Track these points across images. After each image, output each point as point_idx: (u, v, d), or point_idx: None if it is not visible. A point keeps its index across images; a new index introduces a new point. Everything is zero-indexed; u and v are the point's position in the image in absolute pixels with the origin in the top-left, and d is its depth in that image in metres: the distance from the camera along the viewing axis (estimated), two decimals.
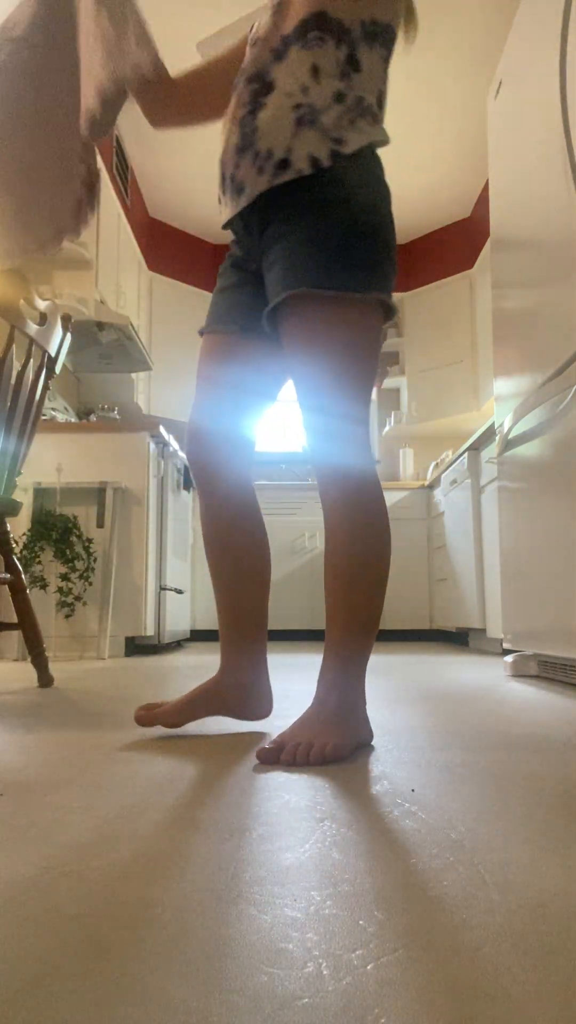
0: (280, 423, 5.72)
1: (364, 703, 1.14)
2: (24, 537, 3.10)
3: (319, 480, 1.14)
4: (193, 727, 1.34)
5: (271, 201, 1.13)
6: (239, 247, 1.25)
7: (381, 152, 4.52)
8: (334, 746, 1.03)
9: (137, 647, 3.32)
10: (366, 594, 1.11)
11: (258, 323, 1.24)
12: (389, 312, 1.15)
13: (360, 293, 1.08)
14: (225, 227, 1.23)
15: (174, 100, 1.30)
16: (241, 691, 1.27)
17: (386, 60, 1.18)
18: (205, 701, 1.25)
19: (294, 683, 2.09)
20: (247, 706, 1.28)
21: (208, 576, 4.59)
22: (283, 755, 1.02)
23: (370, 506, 1.11)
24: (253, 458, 1.29)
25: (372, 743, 1.16)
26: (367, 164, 1.12)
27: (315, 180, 1.09)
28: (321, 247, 1.08)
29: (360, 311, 1.10)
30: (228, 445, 1.25)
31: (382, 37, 1.15)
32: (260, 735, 1.26)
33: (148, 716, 1.25)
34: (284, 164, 1.09)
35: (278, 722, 1.40)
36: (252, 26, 1.23)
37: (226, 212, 1.19)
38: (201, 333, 1.29)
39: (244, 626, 1.28)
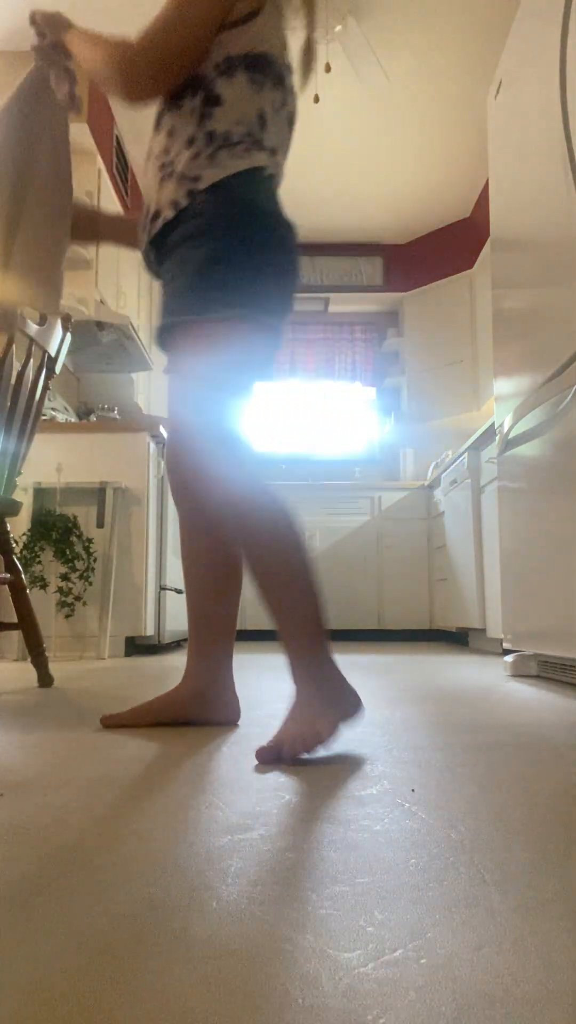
0: (280, 423, 5.72)
1: (338, 675, 1.14)
2: (24, 537, 3.10)
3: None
4: (190, 729, 1.34)
5: (158, 250, 1.26)
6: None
7: (381, 152, 4.53)
8: (326, 725, 1.06)
9: (137, 647, 3.32)
10: (280, 591, 1.12)
11: None
12: (268, 323, 1.19)
13: (217, 314, 1.14)
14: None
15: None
16: (201, 699, 1.32)
17: (257, 81, 1.21)
18: (165, 707, 1.31)
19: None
20: (207, 713, 1.32)
21: None
22: (284, 752, 1.04)
23: (250, 515, 1.13)
24: None
25: (361, 709, 1.16)
26: (233, 191, 1.17)
27: (179, 220, 1.19)
28: (180, 281, 1.17)
29: (224, 330, 1.15)
30: None
31: (244, 64, 1.20)
32: (260, 737, 1.26)
33: (112, 718, 1.33)
34: (156, 216, 1.22)
35: (277, 722, 1.40)
36: None
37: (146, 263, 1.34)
38: None
39: (210, 635, 1.31)
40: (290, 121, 1.30)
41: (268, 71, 1.22)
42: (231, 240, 1.15)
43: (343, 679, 1.14)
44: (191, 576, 1.32)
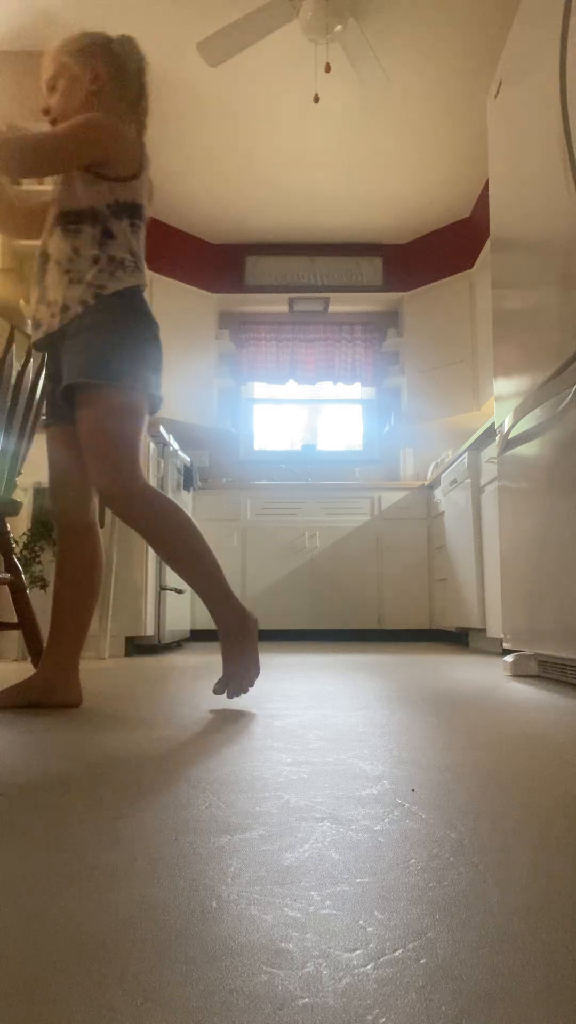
0: (280, 424, 5.71)
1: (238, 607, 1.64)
2: (24, 537, 3.10)
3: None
4: (191, 729, 1.34)
5: (62, 333, 1.62)
6: (47, 361, 1.73)
7: (381, 152, 4.54)
8: (252, 677, 1.63)
9: (137, 647, 3.32)
10: (191, 567, 1.61)
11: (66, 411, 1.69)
12: (149, 398, 1.66)
13: (114, 383, 1.57)
14: (35, 347, 1.71)
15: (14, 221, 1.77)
16: (48, 685, 1.60)
17: (136, 225, 1.68)
18: (21, 691, 1.59)
19: (297, 682, 2.09)
20: (52, 698, 1.60)
21: None
22: (229, 691, 1.60)
23: (141, 515, 1.58)
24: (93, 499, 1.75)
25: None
26: (126, 299, 1.61)
27: (86, 314, 1.58)
28: (90, 356, 1.57)
29: (128, 394, 1.60)
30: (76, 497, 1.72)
31: (128, 211, 1.65)
32: (262, 737, 1.26)
33: None
34: (65, 308, 1.60)
35: (278, 722, 1.40)
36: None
37: (34, 337, 1.68)
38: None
39: (77, 629, 1.65)
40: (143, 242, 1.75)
41: (140, 215, 1.69)
42: (131, 333, 1.60)
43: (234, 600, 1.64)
44: (61, 583, 1.67)
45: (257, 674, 1.63)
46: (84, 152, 1.58)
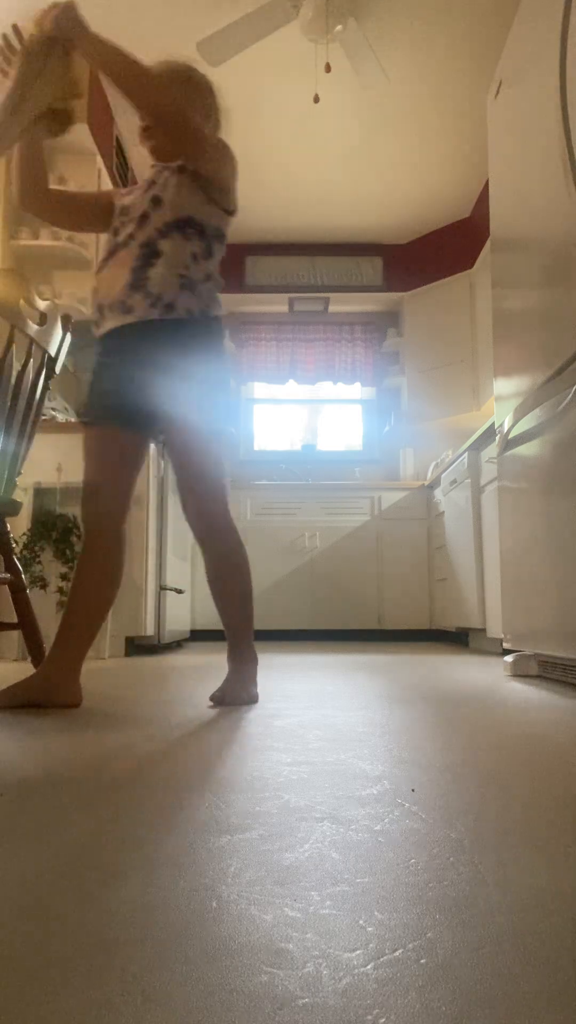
0: (280, 424, 5.71)
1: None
2: (24, 537, 3.10)
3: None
4: (190, 729, 1.34)
5: (151, 327, 1.65)
6: (109, 349, 1.70)
7: (381, 152, 4.55)
8: (253, 693, 1.70)
9: (137, 647, 3.32)
10: (242, 603, 1.74)
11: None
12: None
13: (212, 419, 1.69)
14: (101, 336, 1.72)
15: (45, 201, 1.76)
16: (49, 684, 1.59)
17: (218, 258, 1.78)
18: (22, 691, 1.57)
19: (297, 682, 2.09)
20: (53, 698, 1.59)
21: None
22: (226, 701, 1.65)
23: (230, 548, 1.73)
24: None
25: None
26: (220, 328, 1.72)
27: (191, 324, 1.66)
28: (205, 390, 1.67)
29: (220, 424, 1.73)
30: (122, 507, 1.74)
31: (219, 238, 1.76)
32: (263, 736, 1.26)
33: None
34: (170, 307, 1.64)
35: (278, 722, 1.40)
36: (121, 193, 1.83)
37: (108, 324, 1.68)
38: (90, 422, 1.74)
39: (79, 633, 1.64)
40: None
41: (223, 250, 1.80)
42: (224, 366, 1.73)
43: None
44: (86, 579, 1.66)
45: (250, 701, 1.69)
46: (193, 142, 1.63)
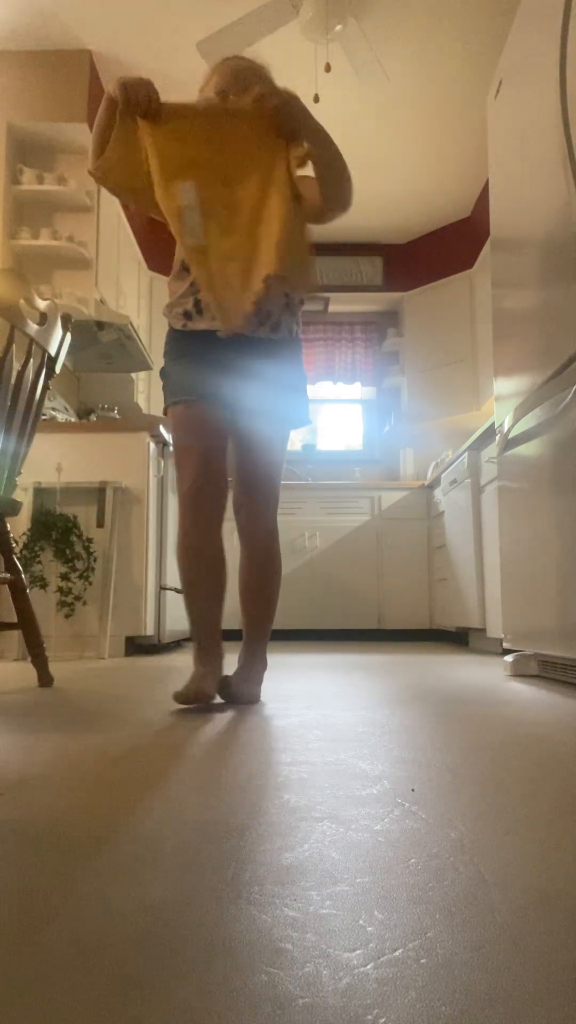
0: None
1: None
2: (24, 537, 3.10)
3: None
4: (190, 729, 1.34)
5: (268, 343, 1.74)
6: (210, 343, 1.71)
7: (381, 152, 4.55)
8: (258, 693, 1.73)
9: (137, 647, 3.32)
10: (272, 609, 1.82)
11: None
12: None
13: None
14: (201, 331, 1.71)
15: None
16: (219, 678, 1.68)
17: None
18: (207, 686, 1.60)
19: (297, 682, 2.09)
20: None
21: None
22: (232, 695, 1.67)
23: (276, 556, 1.81)
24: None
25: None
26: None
27: (291, 344, 1.78)
28: (305, 399, 1.83)
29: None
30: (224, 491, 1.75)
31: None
32: (260, 739, 1.26)
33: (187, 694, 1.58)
34: (277, 326, 1.72)
35: (278, 722, 1.40)
36: None
37: (238, 325, 1.64)
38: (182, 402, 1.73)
39: (217, 633, 1.72)
40: None
41: None
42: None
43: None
44: (211, 584, 1.71)
45: (253, 700, 1.71)
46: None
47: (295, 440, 5.64)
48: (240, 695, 1.67)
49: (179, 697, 1.55)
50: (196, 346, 1.72)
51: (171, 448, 1.67)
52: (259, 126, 1.59)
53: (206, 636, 1.70)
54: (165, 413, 1.78)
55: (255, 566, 1.77)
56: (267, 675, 2.34)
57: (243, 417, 1.76)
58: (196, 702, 1.56)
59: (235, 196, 1.62)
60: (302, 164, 1.68)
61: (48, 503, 3.20)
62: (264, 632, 1.80)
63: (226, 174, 1.60)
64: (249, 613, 1.78)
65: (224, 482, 1.72)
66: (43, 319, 1.98)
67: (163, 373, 1.78)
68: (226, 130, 1.60)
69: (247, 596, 1.78)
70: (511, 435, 2.37)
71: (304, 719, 1.43)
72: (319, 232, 6.15)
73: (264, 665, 1.80)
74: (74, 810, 0.80)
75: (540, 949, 0.48)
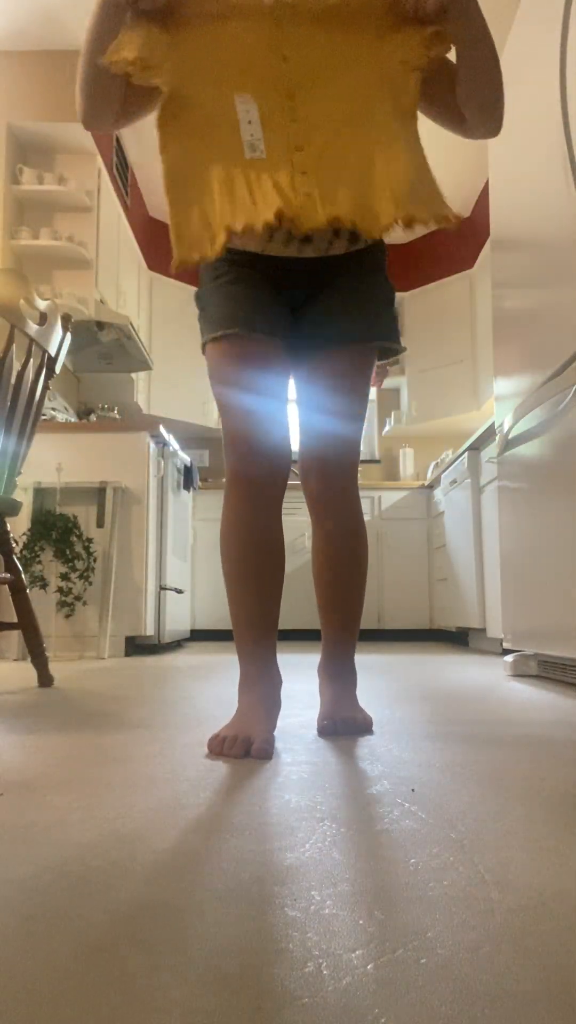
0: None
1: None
2: (24, 537, 3.10)
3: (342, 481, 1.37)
4: (190, 729, 1.34)
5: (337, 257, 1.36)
6: (278, 265, 1.32)
7: None
8: (365, 716, 1.32)
9: (137, 647, 3.32)
10: (362, 590, 1.39)
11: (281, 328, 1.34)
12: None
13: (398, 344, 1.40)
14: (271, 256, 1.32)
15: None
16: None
17: None
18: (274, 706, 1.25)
19: (297, 682, 2.09)
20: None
21: (208, 576, 4.59)
22: (338, 728, 1.27)
23: (360, 513, 1.40)
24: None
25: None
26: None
27: (370, 250, 1.41)
28: (388, 308, 1.42)
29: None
30: (285, 459, 1.33)
31: None
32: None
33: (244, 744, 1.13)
34: (355, 234, 1.33)
35: (281, 723, 1.40)
36: None
37: (289, 249, 1.31)
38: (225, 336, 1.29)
39: (273, 629, 1.29)
40: None
41: None
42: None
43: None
44: (265, 575, 1.29)
45: (367, 728, 1.31)
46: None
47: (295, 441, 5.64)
48: (352, 726, 1.27)
49: (216, 746, 1.10)
50: (250, 269, 1.33)
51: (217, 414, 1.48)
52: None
53: (263, 648, 1.26)
54: (204, 351, 1.33)
55: (331, 547, 1.35)
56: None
57: (311, 343, 1.36)
58: (242, 754, 1.08)
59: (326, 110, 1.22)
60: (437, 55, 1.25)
61: (48, 503, 3.20)
62: (355, 634, 1.38)
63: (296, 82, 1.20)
64: (336, 609, 1.35)
65: (287, 446, 1.33)
66: (43, 319, 1.98)
67: (198, 298, 1.36)
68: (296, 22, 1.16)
69: (330, 589, 1.36)
70: (511, 435, 2.37)
71: (304, 719, 1.43)
72: None
73: (356, 677, 1.39)
74: (74, 810, 0.80)
75: (540, 949, 0.48)
